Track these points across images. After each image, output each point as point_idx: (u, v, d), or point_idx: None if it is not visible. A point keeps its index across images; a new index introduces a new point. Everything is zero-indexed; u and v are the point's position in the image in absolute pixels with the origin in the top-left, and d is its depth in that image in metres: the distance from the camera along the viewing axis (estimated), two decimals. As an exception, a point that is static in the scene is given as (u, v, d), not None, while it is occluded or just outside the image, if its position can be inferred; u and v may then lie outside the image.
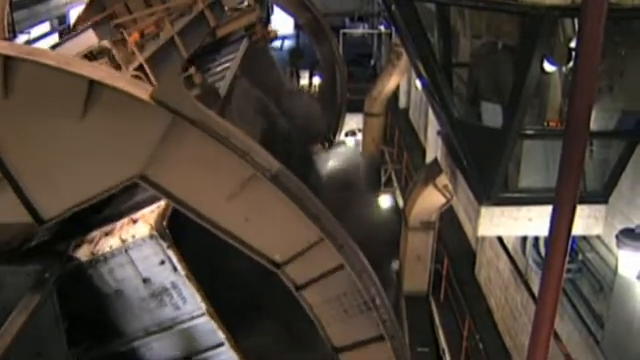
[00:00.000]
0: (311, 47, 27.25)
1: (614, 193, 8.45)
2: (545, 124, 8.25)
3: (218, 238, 8.06)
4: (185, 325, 10.36)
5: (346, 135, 27.75)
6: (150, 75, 11.31)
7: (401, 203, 19.40)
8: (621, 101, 7.97)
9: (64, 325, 8.87)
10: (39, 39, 21.25)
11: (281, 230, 8.13)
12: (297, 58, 34.96)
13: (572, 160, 5.87)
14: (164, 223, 9.70)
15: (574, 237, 9.59)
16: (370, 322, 8.24)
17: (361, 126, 27.21)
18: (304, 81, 35.47)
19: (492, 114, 8.40)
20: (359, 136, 27.71)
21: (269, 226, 8.05)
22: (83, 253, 9.80)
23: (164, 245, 9.60)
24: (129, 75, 10.47)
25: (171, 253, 9.66)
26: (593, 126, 6.17)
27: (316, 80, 34.12)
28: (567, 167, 5.90)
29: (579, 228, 8.51)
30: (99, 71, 7.34)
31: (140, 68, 11.52)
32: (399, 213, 17.54)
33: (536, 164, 8.42)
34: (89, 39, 9.93)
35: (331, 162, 26.17)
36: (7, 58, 6.97)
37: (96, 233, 10.06)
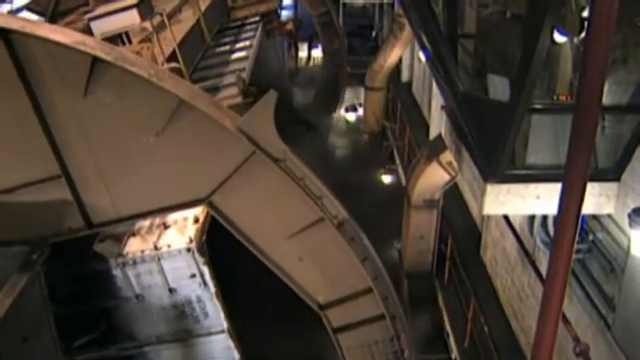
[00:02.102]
0: (310, 18, 27.11)
1: (627, 170, 8.37)
2: (555, 98, 8.18)
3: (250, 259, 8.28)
4: (201, 339, 10.50)
5: (346, 110, 27.71)
6: (182, 64, 11.30)
7: (404, 181, 19.40)
8: (636, 74, 7.86)
9: (52, 309, 8.88)
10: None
11: (331, 275, 8.50)
12: (295, 29, 34.74)
13: (583, 135, 5.78)
14: (204, 238, 9.81)
15: (584, 216, 9.61)
16: None
17: (362, 101, 27.18)
18: (302, 53, 35.31)
19: (499, 87, 8.33)
20: (360, 111, 27.68)
21: (320, 269, 8.42)
22: (109, 250, 9.83)
23: (200, 261, 9.74)
24: (165, 65, 10.50)
25: (205, 269, 9.78)
26: (605, 100, 6.10)
27: (315, 52, 33.96)
28: (577, 143, 5.81)
29: (589, 207, 8.45)
30: (186, 89, 7.43)
31: (173, 55, 11.51)
32: (402, 191, 17.45)
33: (545, 139, 8.35)
34: (131, 18, 9.86)
35: (330, 139, 26.10)
36: (95, 59, 7.05)
37: (121, 230, 10.06)
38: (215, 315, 10.33)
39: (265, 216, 8.08)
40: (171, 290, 10.08)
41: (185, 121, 7.39)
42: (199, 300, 10.23)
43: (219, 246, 9.88)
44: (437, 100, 19.84)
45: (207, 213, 9.88)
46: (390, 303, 8.53)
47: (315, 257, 8.32)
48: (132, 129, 7.46)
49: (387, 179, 21.59)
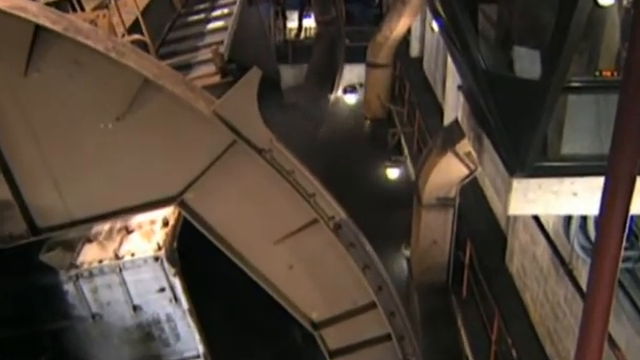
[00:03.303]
0: (300, -19, 27.18)
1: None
2: (597, 74, 8.12)
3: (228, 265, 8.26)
4: None
5: (344, 91, 27.70)
6: (147, 36, 11.18)
7: (413, 175, 19.41)
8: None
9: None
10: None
11: (327, 287, 8.52)
12: (284, -5, 34.66)
13: (631, 120, 5.70)
14: (174, 244, 9.74)
15: (632, 217, 9.52)
16: None
17: (363, 80, 27.21)
18: (292, 24, 35.19)
19: (528, 62, 8.29)
20: (361, 93, 27.64)
21: (314, 281, 8.43)
22: (59, 261, 9.74)
23: (170, 271, 9.68)
24: (127, 37, 10.39)
25: (176, 281, 9.72)
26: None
27: (307, 22, 33.84)
28: (624, 129, 5.74)
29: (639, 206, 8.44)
30: (152, 66, 7.36)
31: (136, 25, 11.39)
32: (410, 188, 17.40)
33: (584, 125, 8.30)
34: None
35: (326, 125, 26.06)
36: (38, 28, 6.93)
37: (74, 236, 9.98)
38: (188, 337, 10.28)
39: (247, 217, 8.09)
40: (135, 307, 10.02)
41: (151, 105, 7.32)
42: (169, 319, 10.18)
43: (193, 254, 9.82)
44: (453, 79, 19.80)
45: (178, 214, 9.78)
46: (397, 320, 8.55)
47: (308, 266, 8.34)
48: (87, 114, 7.38)
49: (393, 173, 21.56)
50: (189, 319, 10.07)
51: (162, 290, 9.88)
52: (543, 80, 7.76)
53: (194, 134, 7.54)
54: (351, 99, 27.65)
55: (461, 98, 11.16)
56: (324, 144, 23.97)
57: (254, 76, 7.45)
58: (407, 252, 17.71)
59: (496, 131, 9.03)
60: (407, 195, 17.46)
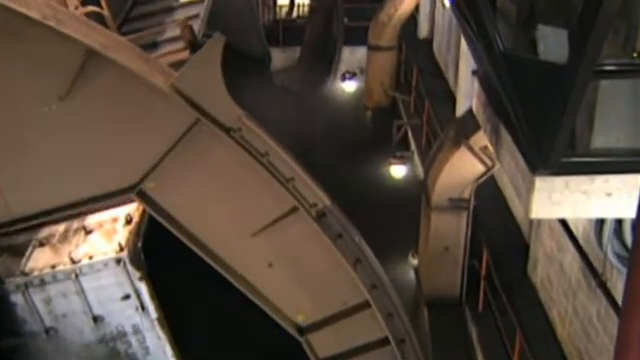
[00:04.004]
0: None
1: None
2: (634, 55, 8.05)
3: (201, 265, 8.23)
4: None
5: (343, 78, 27.63)
6: (105, 8, 11.07)
7: (421, 173, 19.34)
8: None
9: None
10: None
11: (313, 286, 8.63)
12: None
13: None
14: (139, 244, 9.66)
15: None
16: None
17: (364, 65, 27.19)
18: (283, 0, 35.15)
19: (554, 43, 8.26)
20: (361, 79, 27.64)
21: (298, 278, 8.53)
22: (4, 268, 9.66)
23: (135, 275, 9.64)
24: (80, 9, 10.29)
25: (142, 287, 9.65)
26: None
27: (300, -1, 33.81)
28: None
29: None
30: (99, 36, 7.29)
31: None
32: (418, 187, 17.34)
33: (618, 114, 8.26)
34: None
35: (324, 116, 26.05)
36: None
37: (23, 240, 9.90)
38: (159, 351, 10.24)
39: (217, 207, 8.12)
40: (96, 319, 9.97)
41: (98, 81, 7.24)
42: (137, 331, 10.15)
43: (162, 255, 9.78)
44: (467, 63, 19.73)
45: (144, 210, 9.69)
46: (395, 322, 8.57)
47: (290, 262, 8.41)
48: (25, 94, 7.30)
49: (398, 171, 21.51)
50: (159, 330, 10.02)
51: (127, 297, 9.84)
52: (571, 63, 7.68)
53: (151, 113, 7.47)
54: (350, 86, 27.58)
55: (476, 85, 11.09)
56: (319, 138, 23.95)
57: (217, 43, 7.37)
58: (415, 261, 17.68)
59: (516, 122, 8.94)
60: (414, 196, 17.44)
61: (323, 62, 27.25)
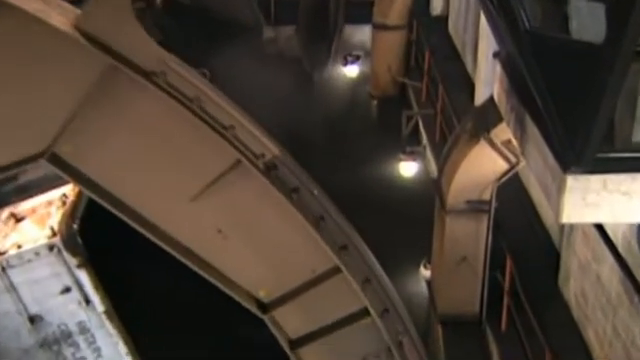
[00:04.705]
0: None
1: None
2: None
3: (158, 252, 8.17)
4: None
5: (345, 62, 27.65)
6: None
7: (434, 171, 19.35)
8: None
9: None
10: None
11: (273, 253, 8.61)
12: None
13: None
14: (74, 226, 9.58)
15: None
16: None
17: (369, 46, 27.24)
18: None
19: (589, 19, 8.20)
20: (366, 63, 27.66)
21: (254, 245, 8.48)
22: None
23: (72, 263, 9.52)
24: None
25: (82, 276, 9.56)
26: None
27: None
28: None
29: None
30: None
31: None
32: (431, 187, 17.30)
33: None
34: None
35: (322, 105, 26.06)
36: None
37: None
38: (112, 351, 10.17)
39: (146, 167, 7.94)
40: (33, 319, 9.92)
41: None
42: (83, 330, 10.11)
43: (110, 238, 9.73)
44: (487, 44, 19.72)
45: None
46: (375, 288, 8.56)
47: (242, 226, 8.38)
48: None
49: (408, 169, 21.57)
50: (108, 326, 9.94)
51: (67, 290, 9.78)
52: (609, 42, 7.64)
53: (55, 62, 7.33)
54: (353, 71, 27.65)
55: (498, 69, 11.06)
56: (317, 132, 23.96)
57: None
58: (427, 273, 17.70)
59: (545, 112, 8.90)
60: (427, 198, 17.41)
61: (321, 44, 27.21)
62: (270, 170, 7.89)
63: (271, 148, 7.89)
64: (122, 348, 10.00)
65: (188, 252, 8.24)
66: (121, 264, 10.41)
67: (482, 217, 15.38)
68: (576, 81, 8.18)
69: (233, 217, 8.13)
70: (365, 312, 8.57)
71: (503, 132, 13.01)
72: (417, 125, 24.09)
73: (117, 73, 7.35)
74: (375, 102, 26.64)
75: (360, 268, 8.42)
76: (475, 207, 15.29)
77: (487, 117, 13.44)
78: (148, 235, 8.11)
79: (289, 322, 8.70)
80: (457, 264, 15.73)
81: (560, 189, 8.48)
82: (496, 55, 11.24)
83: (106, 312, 9.73)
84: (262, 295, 8.60)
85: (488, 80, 18.97)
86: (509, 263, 15.27)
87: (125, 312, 10.12)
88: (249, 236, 8.23)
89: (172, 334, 11.55)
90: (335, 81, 27.62)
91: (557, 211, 8.63)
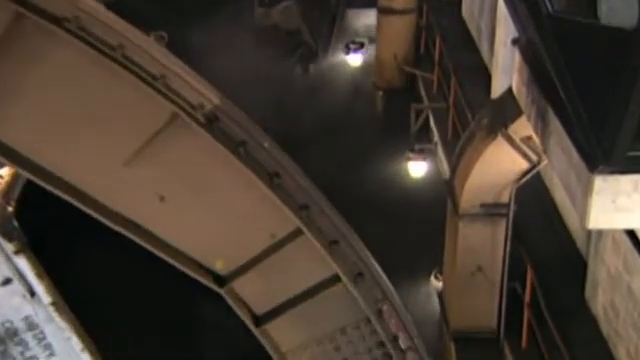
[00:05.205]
0: None
1: None
2: None
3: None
4: None
5: (347, 49, 27.70)
6: None
7: (446, 171, 19.40)
8: None
9: None
10: None
11: (226, 217, 8.50)
12: None
13: None
14: (9, 208, 9.58)
15: None
16: None
17: (373, 33, 27.28)
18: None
19: (619, 3, 8.16)
20: (370, 51, 27.71)
21: (203, 210, 8.38)
22: None
23: (9, 249, 9.49)
24: None
25: (23, 263, 9.56)
26: None
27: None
28: None
29: None
30: None
31: None
32: (443, 189, 17.30)
33: None
34: None
35: (321, 98, 26.06)
36: None
37: None
38: (66, 348, 10.16)
39: (69, 129, 7.93)
40: None
41: None
42: (31, 325, 10.10)
43: (53, 220, 9.71)
44: (505, 29, 19.75)
45: None
46: (345, 250, 8.48)
47: (186, 190, 8.31)
48: None
49: (417, 168, 21.61)
50: (58, 319, 9.93)
51: (7, 282, 9.77)
52: (642, 28, 7.62)
53: None
54: (356, 60, 27.67)
55: (517, 57, 11.09)
56: (316, 127, 23.94)
57: None
58: (439, 284, 17.70)
59: (569, 105, 8.92)
60: (438, 200, 17.46)
61: (321, 29, 27.21)
62: (211, 122, 7.79)
63: (210, 97, 7.77)
64: (76, 344, 9.96)
65: (129, 224, 8.19)
66: (68, 249, 10.41)
67: (499, 222, 15.43)
68: (604, 70, 8.20)
69: (175, 180, 8.06)
70: (336, 278, 8.51)
71: (523, 127, 12.97)
72: (427, 120, 24.08)
73: (24, 21, 7.30)
74: (380, 94, 26.61)
75: (326, 229, 8.34)
76: (492, 211, 15.34)
77: (505, 111, 13.43)
78: (82, 207, 8.05)
79: (251, 295, 8.68)
80: (472, 274, 15.79)
81: (587, 191, 8.50)
82: (515, 42, 11.30)
83: (54, 304, 9.71)
84: (219, 267, 8.58)
85: (506, 70, 19.01)
86: (530, 273, 15.26)
87: (77, 303, 10.07)
88: (195, 200, 8.20)
89: (133, 325, 11.57)
90: (336, 71, 27.62)
91: (583, 215, 8.66)
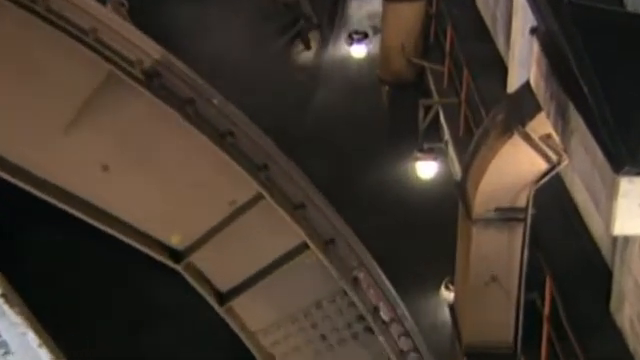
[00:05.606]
0: None
1: None
2: None
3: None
4: None
5: (351, 40, 27.72)
6: None
7: (458, 172, 19.41)
8: None
9: None
10: None
11: (176, 184, 8.58)
12: None
13: None
14: None
15: None
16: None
17: (379, 22, 27.39)
18: None
19: None
20: (375, 41, 27.74)
21: (150, 178, 8.44)
22: None
23: None
24: None
25: None
26: None
27: None
28: None
29: None
30: None
31: None
32: (454, 192, 17.28)
33: None
34: None
35: (321, 92, 26.09)
36: None
37: None
38: (22, 344, 10.20)
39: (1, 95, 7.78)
40: None
41: None
42: None
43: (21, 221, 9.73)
44: (522, 18, 19.72)
45: None
46: (311, 214, 8.37)
47: (132, 156, 8.16)
48: None
49: (426, 169, 21.62)
50: (10, 313, 9.95)
51: None
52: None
53: None
54: (360, 51, 27.67)
55: (536, 48, 11.11)
56: (315, 125, 23.94)
57: None
58: (450, 295, 17.75)
59: (592, 100, 8.90)
60: (449, 204, 17.44)
61: (321, 17, 27.24)
62: (152, 79, 7.69)
63: (150, 52, 7.68)
64: (33, 339, 9.96)
65: (71, 198, 8.11)
66: (18, 235, 10.40)
67: (516, 228, 15.40)
68: (631, 62, 8.17)
69: (118, 147, 7.97)
70: (304, 246, 8.45)
71: (541, 125, 12.95)
72: (437, 117, 24.09)
73: None
74: (386, 89, 26.61)
75: (290, 192, 8.26)
76: (507, 215, 15.33)
77: (522, 107, 13.41)
78: (20, 184, 8.00)
79: (212, 270, 8.60)
80: (486, 284, 15.76)
81: (612, 194, 8.48)
82: (534, 31, 11.31)
83: (4, 296, 9.69)
84: (174, 241, 8.49)
85: (524, 62, 18.96)
86: (549, 283, 15.18)
87: (31, 295, 10.07)
88: (142, 168, 8.10)
89: (93, 315, 11.57)
90: (338, 63, 27.62)
91: (608, 220, 8.66)
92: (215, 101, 7.86)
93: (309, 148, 20.80)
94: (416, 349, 10.84)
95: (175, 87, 7.69)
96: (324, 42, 27.20)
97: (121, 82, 7.61)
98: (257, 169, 7.93)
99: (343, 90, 26.63)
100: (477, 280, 15.75)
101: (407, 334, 10.31)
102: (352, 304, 8.75)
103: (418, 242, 18.55)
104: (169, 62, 7.65)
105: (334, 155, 22.53)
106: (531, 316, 15.67)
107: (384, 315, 8.84)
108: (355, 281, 8.61)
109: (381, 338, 9.64)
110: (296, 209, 8.23)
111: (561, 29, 9.18)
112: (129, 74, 7.56)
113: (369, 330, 8.97)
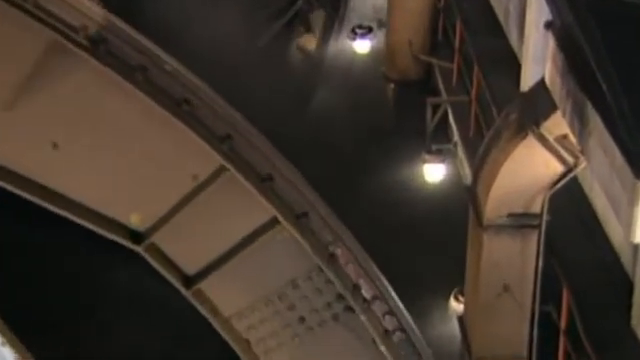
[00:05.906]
0: None
1: None
2: None
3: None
4: None
5: (354, 35, 27.68)
6: None
7: (468, 175, 19.44)
8: None
9: None
10: None
11: (132, 158, 8.04)
12: None
13: None
14: None
15: None
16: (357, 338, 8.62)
17: (384, 15, 27.43)
18: None
19: None
20: (380, 36, 27.80)
21: (104, 153, 7.94)
22: None
23: None
24: None
25: None
26: None
27: None
28: None
29: None
30: None
31: None
32: (464, 196, 17.29)
33: None
34: None
35: (323, 90, 26.09)
36: None
37: None
38: None
39: None
40: None
41: None
42: None
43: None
44: (538, 11, 19.68)
45: None
46: (282, 187, 8.32)
47: (82, 131, 8.01)
48: None
49: (434, 172, 21.61)
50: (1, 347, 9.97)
51: None
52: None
53: None
54: (364, 47, 27.64)
55: (551, 44, 11.13)
56: (319, 124, 23.93)
57: None
58: (459, 306, 17.69)
59: (612, 99, 8.93)
60: (458, 209, 17.46)
61: (322, 9, 27.24)
62: (98, 45, 7.60)
63: (94, 17, 7.58)
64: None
65: (19, 179, 8.05)
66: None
67: (530, 235, 15.42)
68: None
69: (67, 121, 7.88)
70: (275, 221, 8.36)
71: (557, 125, 12.96)
72: (446, 116, 24.10)
73: None
74: (392, 87, 26.62)
75: (256, 163, 8.14)
76: (521, 222, 15.34)
77: (537, 106, 13.41)
78: None
79: (177, 251, 8.49)
80: (498, 295, 15.80)
81: (632, 199, 8.50)
82: (549, 26, 11.34)
83: None
84: (134, 221, 8.41)
85: (538, 58, 18.97)
86: (565, 294, 15.19)
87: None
88: (95, 144, 8.00)
89: (57, 308, 11.55)
90: (341, 60, 27.61)
91: (628, 227, 8.71)
92: (168, 67, 7.78)
93: (309, 151, 20.73)
94: (402, 328, 10.71)
95: (123, 53, 7.61)
96: (326, 27, 27.14)
97: (65, 50, 7.51)
98: (219, 140, 7.84)
99: (345, 87, 26.60)
100: (488, 290, 15.77)
101: (391, 312, 10.21)
102: (330, 282, 8.68)
103: (426, 250, 18.51)
104: (116, 27, 7.52)
105: (336, 158, 22.46)
106: (546, 329, 15.68)
107: (365, 293, 8.78)
108: (332, 257, 8.59)
109: (363, 317, 9.55)
110: (263, 181, 8.16)
111: (578, 22, 9.17)
112: (73, 41, 7.42)
113: (350, 309, 8.88)
